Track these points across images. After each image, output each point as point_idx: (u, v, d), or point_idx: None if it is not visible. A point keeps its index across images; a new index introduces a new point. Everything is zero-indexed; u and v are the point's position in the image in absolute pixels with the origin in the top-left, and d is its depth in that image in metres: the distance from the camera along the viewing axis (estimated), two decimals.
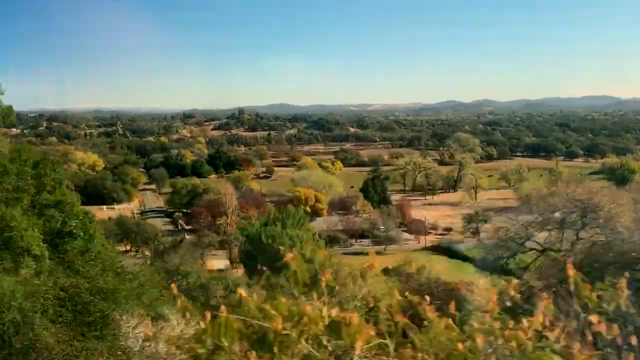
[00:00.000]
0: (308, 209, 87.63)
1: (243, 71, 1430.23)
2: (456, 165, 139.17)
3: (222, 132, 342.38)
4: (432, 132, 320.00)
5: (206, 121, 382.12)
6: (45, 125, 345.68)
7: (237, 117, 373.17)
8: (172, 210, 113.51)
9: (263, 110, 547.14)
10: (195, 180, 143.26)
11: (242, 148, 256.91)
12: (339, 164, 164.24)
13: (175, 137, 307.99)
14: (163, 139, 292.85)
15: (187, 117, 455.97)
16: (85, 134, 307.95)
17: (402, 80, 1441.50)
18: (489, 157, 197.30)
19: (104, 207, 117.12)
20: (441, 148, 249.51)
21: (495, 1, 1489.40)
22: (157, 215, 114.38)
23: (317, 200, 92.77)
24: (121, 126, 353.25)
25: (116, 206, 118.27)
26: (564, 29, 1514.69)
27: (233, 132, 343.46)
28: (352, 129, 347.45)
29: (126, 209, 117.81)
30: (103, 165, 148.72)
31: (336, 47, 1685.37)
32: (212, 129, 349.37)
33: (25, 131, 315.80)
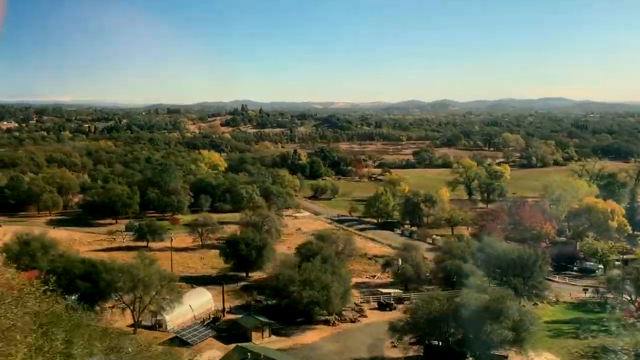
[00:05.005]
0: (615, 223, 78.42)
1: (206, 67, 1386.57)
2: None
3: (231, 128, 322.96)
4: (454, 132, 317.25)
5: (210, 116, 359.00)
6: (35, 119, 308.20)
7: (241, 113, 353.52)
8: (386, 221, 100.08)
9: (233, 105, 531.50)
10: (351, 185, 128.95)
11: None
12: (506, 167, 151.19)
13: (190, 134, 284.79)
14: (185, 133, 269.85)
15: (171, 111, 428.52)
16: (89, 129, 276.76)
17: (365, 79, 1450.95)
18: (568, 159, 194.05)
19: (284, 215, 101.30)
20: (491, 149, 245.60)
21: (453, 5, 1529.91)
22: (367, 227, 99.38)
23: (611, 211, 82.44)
24: (126, 120, 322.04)
25: (297, 214, 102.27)
26: (519, 32, 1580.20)
27: (242, 128, 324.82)
28: (366, 127, 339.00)
29: (307, 217, 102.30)
30: (225, 165, 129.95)
31: (300, 45, 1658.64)
32: (220, 125, 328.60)
33: (23, 125, 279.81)
